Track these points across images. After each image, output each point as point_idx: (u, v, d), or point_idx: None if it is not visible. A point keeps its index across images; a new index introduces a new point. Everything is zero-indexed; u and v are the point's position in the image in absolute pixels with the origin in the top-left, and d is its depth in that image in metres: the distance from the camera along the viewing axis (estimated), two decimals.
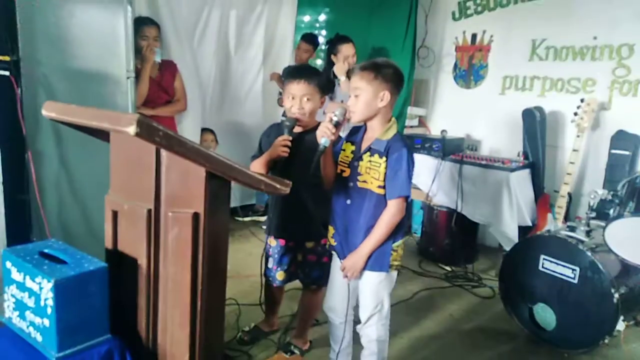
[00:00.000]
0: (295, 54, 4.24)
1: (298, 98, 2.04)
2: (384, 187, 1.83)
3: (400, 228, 1.88)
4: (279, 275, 2.28)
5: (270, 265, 2.30)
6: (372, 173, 1.84)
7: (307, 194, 2.03)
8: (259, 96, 4.60)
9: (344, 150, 1.96)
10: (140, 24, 3.09)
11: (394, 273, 1.96)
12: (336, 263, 2.03)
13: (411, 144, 3.81)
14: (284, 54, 4.76)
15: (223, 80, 4.22)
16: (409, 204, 4.18)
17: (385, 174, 1.81)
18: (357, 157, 1.89)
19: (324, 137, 1.80)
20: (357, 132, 1.95)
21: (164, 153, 1.34)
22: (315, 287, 2.27)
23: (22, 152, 2.35)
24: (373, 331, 1.97)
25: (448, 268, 3.64)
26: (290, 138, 2.02)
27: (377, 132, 1.86)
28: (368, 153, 1.86)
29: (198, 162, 1.30)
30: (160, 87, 3.24)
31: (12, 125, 2.29)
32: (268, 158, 2.06)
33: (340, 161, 1.96)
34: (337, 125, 1.81)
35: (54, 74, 2.44)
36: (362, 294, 1.97)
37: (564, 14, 3.66)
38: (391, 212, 1.81)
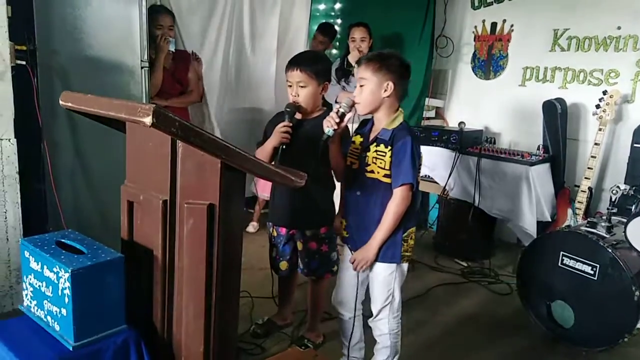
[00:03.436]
0: (312, 45, 4.19)
1: (294, 85, 2.09)
2: (390, 175, 1.83)
3: (409, 217, 1.88)
4: (282, 265, 2.31)
5: (274, 255, 2.33)
6: (379, 162, 1.85)
7: (308, 181, 2.02)
8: (272, 84, 4.59)
9: (353, 142, 1.97)
10: (155, 12, 3.07)
11: (405, 265, 1.95)
12: (345, 257, 2.02)
13: (428, 135, 3.77)
14: (298, 43, 4.73)
15: (237, 69, 4.20)
16: (423, 200, 4.20)
17: (390, 162, 1.83)
18: (365, 148, 1.91)
19: (328, 126, 1.81)
20: (365, 125, 1.97)
21: (179, 144, 1.33)
22: (315, 279, 2.28)
23: (38, 142, 2.37)
24: (384, 324, 1.96)
25: (464, 263, 3.60)
26: (291, 124, 2.06)
27: (383, 122, 1.88)
28: (375, 143, 1.87)
29: (214, 154, 1.29)
30: (174, 77, 3.21)
31: (28, 115, 2.31)
32: (271, 145, 2.08)
33: (350, 153, 1.97)
34: (343, 116, 1.82)
35: (70, 63, 2.45)
36: (373, 286, 1.96)
37: (587, 3, 3.55)
38: (396, 201, 1.82)
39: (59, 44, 2.41)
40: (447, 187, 3.66)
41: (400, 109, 1.91)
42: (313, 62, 2.10)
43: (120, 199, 1.50)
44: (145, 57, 2.72)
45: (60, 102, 1.44)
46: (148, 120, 1.13)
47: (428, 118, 4.30)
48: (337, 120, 1.81)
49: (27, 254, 1.37)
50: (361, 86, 1.84)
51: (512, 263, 3.52)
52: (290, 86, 2.12)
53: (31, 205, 2.40)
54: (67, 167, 2.46)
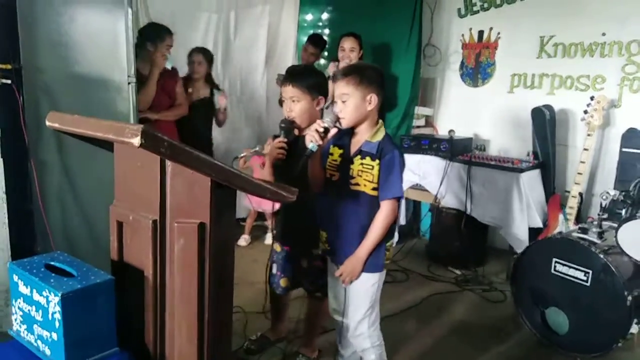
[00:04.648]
0: (302, 57, 4.20)
1: (288, 100, 2.08)
2: (377, 188, 1.84)
3: (392, 228, 1.90)
4: (283, 282, 2.27)
5: (274, 271, 2.29)
6: (365, 175, 1.85)
7: (310, 200, 1.99)
8: (263, 97, 4.60)
9: (331, 154, 1.95)
10: (164, 32, 3.14)
11: (384, 272, 1.96)
12: (333, 266, 2.02)
13: (418, 144, 3.78)
14: (287, 55, 4.75)
15: (227, 82, 4.20)
16: (415, 209, 4.20)
17: (378, 175, 1.83)
18: (348, 159, 1.89)
19: (312, 142, 1.79)
20: (343, 136, 1.93)
21: (168, 163, 1.32)
22: (321, 295, 2.23)
23: (25, 162, 2.34)
24: (365, 340, 1.96)
25: (458, 272, 3.60)
26: (285, 140, 2.05)
27: (366, 134, 1.87)
28: (359, 156, 1.86)
29: (203, 172, 1.27)
30: (164, 91, 3.26)
31: (14, 134, 2.28)
32: (268, 162, 2.07)
33: (329, 166, 1.95)
34: (327, 131, 1.81)
35: (56, 81, 2.42)
36: (355, 296, 1.94)
37: (572, 10, 3.60)
38: (385, 214, 1.83)
39: (45, 61, 2.38)
40: (438, 196, 3.67)
41: (380, 120, 1.91)
42: (306, 77, 2.08)
43: (109, 217, 1.48)
44: (132, 72, 2.70)
45: (47, 122, 1.42)
46: (136, 141, 1.12)
47: (418, 127, 4.31)
48: (322, 135, 1.79)
49: (15, 277, 1.35)
50: (343, 102, 1.81)
51: (505, 270, 3.53)
52: (284, 101, 2.11)
53: (19, 225, 2.36)
54: (54, 186, 2.43)
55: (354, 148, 1.89)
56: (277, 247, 2.26)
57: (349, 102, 1.81)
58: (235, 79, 4.31)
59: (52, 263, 1.38)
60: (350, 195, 1.87)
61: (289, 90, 2.06)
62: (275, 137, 2.14)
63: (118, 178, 1.48)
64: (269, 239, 4.05)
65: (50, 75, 2.39)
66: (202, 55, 3.61)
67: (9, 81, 2.22)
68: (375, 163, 1.83)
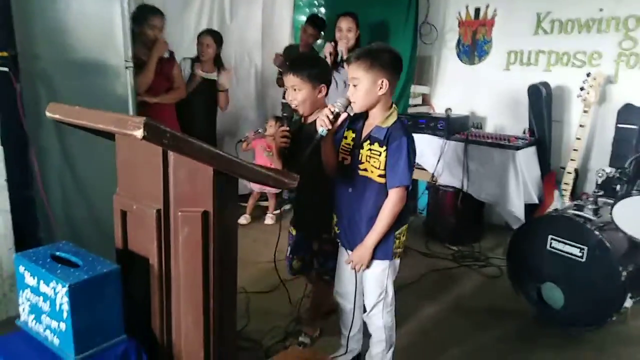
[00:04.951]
0: (301, 37, 4.15)
1: (290, 89, 2.09)
2: (384, 175, 1.82)
3: (402, 216, 1.88)
4: (295, 264, 2.31)
5: (288, 253, 2.34)
6: (373, 162, 1.83)
7: (321, 185, 2.02)
8: (259, 77, 4.58)
9: (345, 137, 1.95)
10: (148, 12, 3.12)
11: (397, 260, 1.97)
12: (342, 250, 2.04)
13: (415, 123, 3.79)
14: (283, 34, 4.70)
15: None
16: (412, 187, 4.22)
17: (385, 162, 1.80)
18: (358, 144, 1.88)
19: (321, 126, 1.78)
20: (358, 119, 1.92)
21: (171, 153, 1.33)
22: (329, 278, 2.26)
23: (25, 149, 2.34)
24: (379, 319, 1.99)
25: (455, 248, 3.66)
26: (287, 128, 2.07)
27: (378, 119, 1.84)
28: (368, 141, 1.84)
29: (205, 162, 1.29)
30: (162, 74, 3.25)
31: (13, 122, 2.28)
32: (276, 150, 2.10)
33: (342, 149, 1.94)
34: (338, 115, 1.79)
35: (53, 67, 2.41)
36: (366, 282, 1.98)
37: None
38: (392, 202, 1.80)
39: (41, 47, 2.37)
40: (435, 174, 3.69)
41: (394, 105, 1.88)
42: (308, 66, 2.09)
43: (111, 203, 1.49)
44: (130, 56, 2.69)
45: (47, 113, 1.43)
46: (139, 133, 1.13)
47: (415, 105, 4.31)
48: (332, 119, 1.77)
49: (22, 269, 1.37)
50: (354, 85, 1.79)
51: (501, 245, 3.59)
52: (287, 89, 2.12)
53: (22, 212, 2.38)
54: (55, 173, 2.44)
55: (365, 132, 1.87)
56: (292, 230, 2.31)
57: (360, 86, 1.78)
58: (230, 60, 4.28)
59: (58, 253, 1.40)
60: (360, 180, 1.87)
61: (291, 79, 2.06)
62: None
63: (120, 167, 1.49)
64: (268, 219, 4.10)
65: (47, 61, 2.38)
66: (211, 37, 3.60)
67: (5, 69, 2.21)
68: (383, 149, 1.80)
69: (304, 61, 2.18)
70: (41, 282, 1.31)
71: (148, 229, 1.39)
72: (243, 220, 4.03)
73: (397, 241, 1.90)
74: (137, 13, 3.12)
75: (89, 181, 2.51)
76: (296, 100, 2.08)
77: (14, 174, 2.33)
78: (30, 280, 1.35)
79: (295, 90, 2.07)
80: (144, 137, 1.14)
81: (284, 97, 4.25)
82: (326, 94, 2.15)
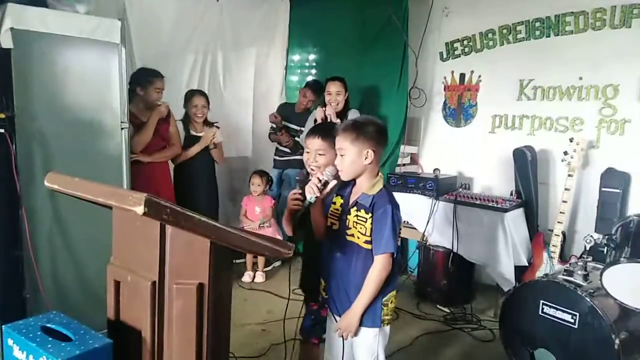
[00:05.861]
0: (300, 100, 4.27)
1: (313, 152, 2.12)
2: (370, 242, 1.85)
3: (389, 283, 1.90)
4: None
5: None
6: (359, 228, 1.88)
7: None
8: (250, 134, 4.68)
9: (334, 203, 2.00)
10: (151, 76, 3.20)
11: (387, 327, 1.96)
12: (331, 316, 2.02)
13: (405, 182, 3.85)
14: (274, 93, 4.85)
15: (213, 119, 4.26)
16: (403, 246, 4.24)
17: (371, 229, 1.85)
18: (346, 210, 1.93)
19: (310, 194, 1.83)
20: (346, 186, 1.98)
21: (168, 225, 1.33)
22: (317, 342, 2.23)
23: (16, 209, 2.33)
24: None
25: (446, 309, 3.63)
26: (300, 191, 2.06)
27: (364, 187, 1.91)
28: (355, 207, 1.90)
29: (203, 235, 1.29)
30: (158, 133, 3.29)
31: (6, 181, 2.28)
32: (287, 213, 2.09)
33: (331, 214, 1.99)
34: (326, 183, 1.86)
35: (49, 127, 2.45)
36: (357, 349, 1.96)
37: (549, 55, 3.75)
38: (378, 269, 1.83)
39: (38, 108, 2.41)
40: (426, 234, 3.71)
41: (380, 173, 1.95)
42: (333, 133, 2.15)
43: (100, 264, 1.48)
44: (125, 117, 2.74)
45: (46, 183, 1.43)
46: (139, 209, 1.14)
47: (404, 164, 4.39)
48: (320, 187, 1.84)
49: (10, 342, 1.33)
50: (342, 155, 1.87)
51: (492, 306, 3.58)
52: (308, 152, 2.15)
53: (8, 271, 2.34)
54: (45, 234, 2.42)
55: (352, 199, 1.93)
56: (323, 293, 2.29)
57: (346, 156, 1.85)
58: (221, 119, 4.36)
59: (49, 325, 1.37)
60: (347, 246, 1.90)
61: (317, 143, 2.10)
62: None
63: (116, 236, 1.49)
64: (259, 277, 4.07)
65: (43, 122, 2.42)
66: (204, 98, 3.70)
67: (2, 130, 2.24)
68: (369, 216, 1.85)
69: (330, 128, 2.22)
70: (31, 357, 1.27)
71: (142, 301, 1.37)
72: (247, 277, 4.04)
73: (385, 308, 1.90)
74: (139, 75, 3.20)
75: (78, 243, 2.50)
76: (318, 162, 2.10)
77: (3, 233, 2.31)
78: (18, 354, 1.31)
79: (320, 154, 2.09)
80: (144, 214, 1.15)
81: (276, 154, 4.35)
82: None
